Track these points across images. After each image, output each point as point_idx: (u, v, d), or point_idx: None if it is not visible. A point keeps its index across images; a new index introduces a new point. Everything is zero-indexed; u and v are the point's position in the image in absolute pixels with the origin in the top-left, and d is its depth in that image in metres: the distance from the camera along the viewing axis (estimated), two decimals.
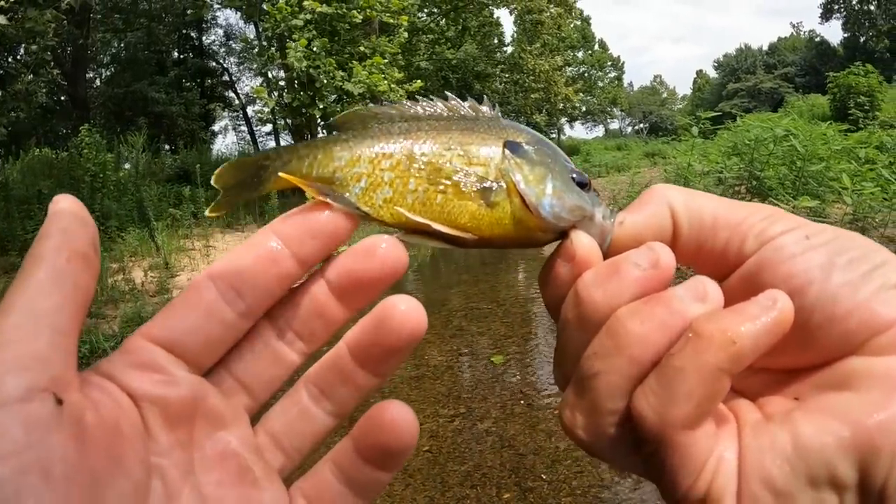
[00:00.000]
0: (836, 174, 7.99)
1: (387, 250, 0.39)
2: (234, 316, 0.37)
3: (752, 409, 0.38)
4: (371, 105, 0.47)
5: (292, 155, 0.44)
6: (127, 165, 12.73)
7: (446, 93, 0.48)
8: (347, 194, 0.42)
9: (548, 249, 0.46)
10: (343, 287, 0.40)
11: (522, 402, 4.85)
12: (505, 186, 0.43)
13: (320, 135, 15.28)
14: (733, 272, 0.39)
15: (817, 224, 0.38)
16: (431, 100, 0.47)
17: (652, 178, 10.34)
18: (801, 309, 0.35)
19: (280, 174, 0.43)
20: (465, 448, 4.21)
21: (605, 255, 0.41)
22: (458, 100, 0.47)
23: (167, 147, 22.76)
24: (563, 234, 0.43)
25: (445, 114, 0.46)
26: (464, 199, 0.43)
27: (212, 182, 0.44)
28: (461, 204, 0.43)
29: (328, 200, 0.40)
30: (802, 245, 0.37)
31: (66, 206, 0.35)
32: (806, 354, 0.37)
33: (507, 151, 0.44)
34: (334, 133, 0.45)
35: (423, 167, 0.43)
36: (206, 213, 0.46)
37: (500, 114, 0.48)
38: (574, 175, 0.45)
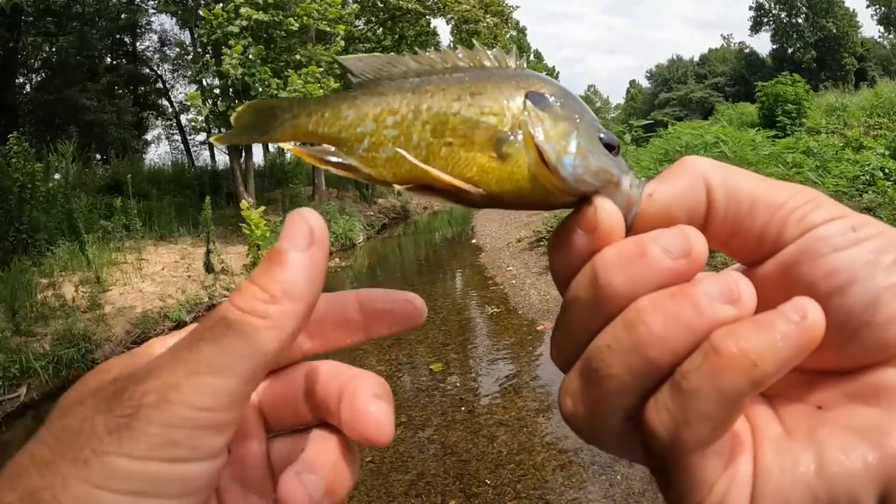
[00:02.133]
0: None
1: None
2: None
3: (772, 420, 0.35)
4: (390, 54, 0.44)
5: (302, 109, 0.43)
6: (56, 175, 12.20)
7: (473, 41, 0.45)
8: (353, 156, 0.41)
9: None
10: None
11: (463, 408, 4.86)
12: (521, 139, 0.39)
13: (256, 146, 14.99)
14: (768, 258, 0.36)
15: (862, 215, 0.35)
16: (455, 48, 0.43)
17: None
18: (839, 308, 0.32)
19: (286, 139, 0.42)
20: (407, 457, 4.19)
21: (629, 229, 0.37)
22: (484, 49, 0.43)
23: (98, 157, 22.02)
24: (582, 199, 0.38)
25: (465, 64, 0.43)
26: (472, 151, 0.39)
27: (231, 120, 0.44)
28: (469, 156, 0.39)
29: (327, 160, 0.40)
30: (848, 238, 0.33)
31: None
32: (838, 357, 0.34)
33: (528, 102, 0.40)
34: (349, 90, 0.43)
35: (428, 120, 0.40)
36: (212, 140, 0.44)
37: (525, 66, 0.44)
38: (602, 135, 0.40)
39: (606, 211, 0.36)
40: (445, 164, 0.39)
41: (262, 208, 11.13)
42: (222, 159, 24.70)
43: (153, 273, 10.16)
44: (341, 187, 19.93)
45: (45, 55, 25.91)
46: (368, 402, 0.37)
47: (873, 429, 0.31)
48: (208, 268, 10.21)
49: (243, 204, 10.90)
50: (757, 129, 12.29)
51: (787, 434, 0.34)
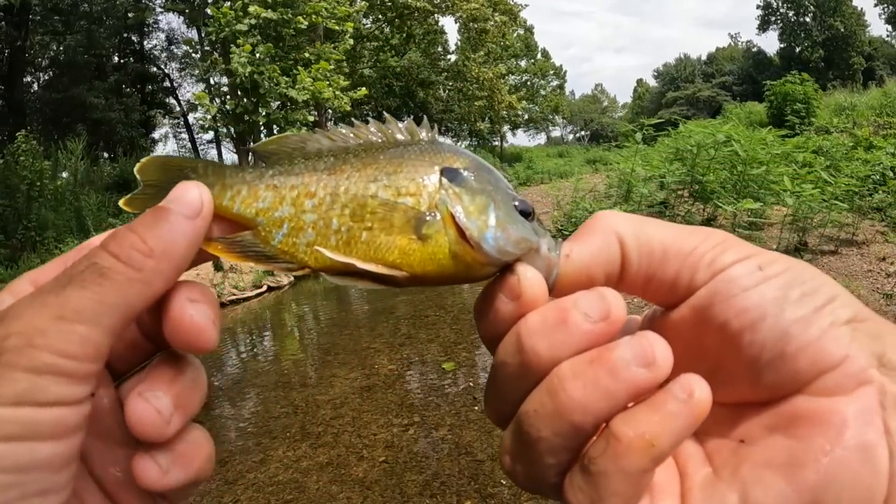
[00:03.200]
0: (777, 177, 8.29)
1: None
2: None
3: (701, 462, 0.37)
4: (301, 133, 0.44)
5: (219, 179, 0.42)
6: (65, 174, 12.25)
7: (384, 114, 0.45)
8: (270, 244, 0.41)
9: None
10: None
11: (476, 407, 4.83)
12: (439, 217, 0.40)
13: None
14: (683, 301, 0.38)
15: (770, 253, 0.37)
16: (367, 122, 0.44)
17: (595, 183, 10.55)
18: (751, 344, 0.34)
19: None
20: (421, 457, 4.16)
21: (551, 290, 0.39)
22: (395, 122, 0.44)
23: (106, 155, 22.03)
24: (505, 267, 0.39)
25: (378, 139, 0.43)
26: (392, 235, 0.39)
27: (134, 170, 0.42)
28: (389, 240, 0.39)
29: (246, 254, 0.40)
30: (755, 277, 0.35)
31: None
32: (755, 390, 0.36)
33: (444, 180, 0.41)
34: (260, 164, 0.43)
35: (346, 204, 0.40)
36: (121, 203, 0.42)
37: (437, 135, 0.44)
38: (517, 203, 0.41)
39: (529, 280, 0.38)
40: (367, 248, 0.39)
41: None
42: (230, 157, 24.79)
43: None
44: None
45: (52, 54, 26.02)
46: (184, 307, 0.36)
47: (788, 463, 0.33)
48: (217, 266, 10.21)
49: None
50: (768, 128, 12.22)
51: (714, 474, 0.36)
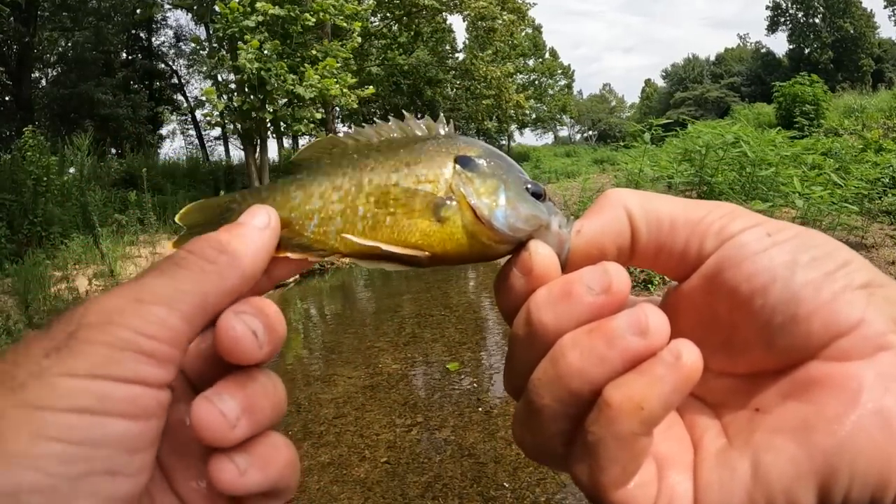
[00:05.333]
0: (786, 179, 8.23)
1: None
2: None
3: (717, 434, 0.37)
4: (330, 136, 0.47)
5: (255, 199, 0.45)
6: (72, 169, 12.29)
7: (404, 112, 0.48)
8: (304, 235, 0.43)
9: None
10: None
11: (480, 409, 4.80)
12: (456, 202, 0.43)
13: (269, 139, 15.02)
14: (694, 271, 0.39)
15: (778, 221, 0.37)
16: (388, 121, 0.47)
17: (602, 183, 10.53)
18: (762, 308, 0.35)
19: None
20: (424, 458, 4.13)
21: (563, 265, 0.40)
22: (414, 120, 0.47)
23: (113, 151, 22.09)
24: (519, 245, 0.42)
25: (399, 136, 0.46)
26: (413, 218, 0.42)
27: (176, 219, 0.46)
28: (410, 223, 0.42)
29: (288, 254, 0.42)
30: (764, 242, 0.36)
31: None
32: (769, 357, 0.36)
33: (457, 166, 0.44)
34: (293, 175, 0.46)
35: (370, 193, 0.43)
36: (170, 246, 0.44)
37: (454, 130, 0.47)
38: (528, 185, 0.44)
39: (540, 255, 0.39)
40: (391, 231, 0.42)
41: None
42: (237, 154, 24.89)
43: None
44: None
45: (60, 50, 26.15)
46: (228, 319, 0.37)
47: (801, 427, 0.33)
48: None
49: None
50: (777, 129, 12.15)
51: (728, 444, 0.36)
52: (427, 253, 0.42)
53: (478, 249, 0.43)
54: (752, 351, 0.36)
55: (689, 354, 0.33)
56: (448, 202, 0.43)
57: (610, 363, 0.34)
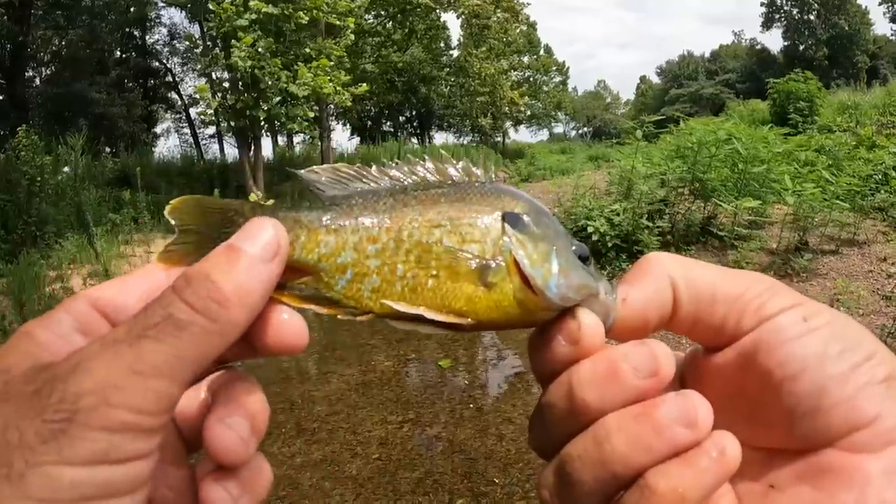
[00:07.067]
0: (778, 176, 8.25)
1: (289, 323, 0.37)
2: None
3: (731, 502, 0.38)
4: (356, 165, 0.43)
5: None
6: (66, 168, 12.24)
7: (440, 151, 0.46)
8: (334, 290, 0.40)
9: None
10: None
11: (471, 405, 4.83)
12: (503, 265, 0.40)
13: (264, 137, 14.89)
14: (729, 345, 0.39)
15: (814, 303, 0.38)
16: (424, 160, 0.43)
17: (596, 180, 10.50)
18: (790, 394, 0.36)
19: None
20: (415, 454, 4.16)
21: (608, 332, 0.40)
22: (450, 161, 0.44)
23: (107, 150, 22.04)
24: (564, 310, 0.40)
25: (433, 178, 0.43)
26: (458, 282, 0.39)
27: (166, 213, 0.39)
28: (455, 287, 0.39)
29: (312, 307, 0.39)
30: (799, 328, 0.37)
31: None
32: (789, 438, 0.37)
33: (506, 226, 0.41)
34: (312, 204, 0.42)
35: (410, 250, 0.40)
36: (155, 259, 0.40)
37: (493, 176, 0.44)
38: (574, 248, 0.42)
39: (589, 327, 0.39)
40: (433, 295, 0.39)
41: (272, 201, 11.05)
42: (231, 153, 24.80)
43: None
44: None
45: (54, 49, 26.07)
46: (280, 314, 0.37)
47: None
48: None
49: (252, 197, 10.91)
50: (770, 125, 12.16)
51: None
52: (471, 320, 0.39)
53: (523, 316, 0.40)
54: (773, 430, 0.38)
55: (731, 449, 0.35)
56: (494, 265, 0.40)
57: (656, 452, 0.35)
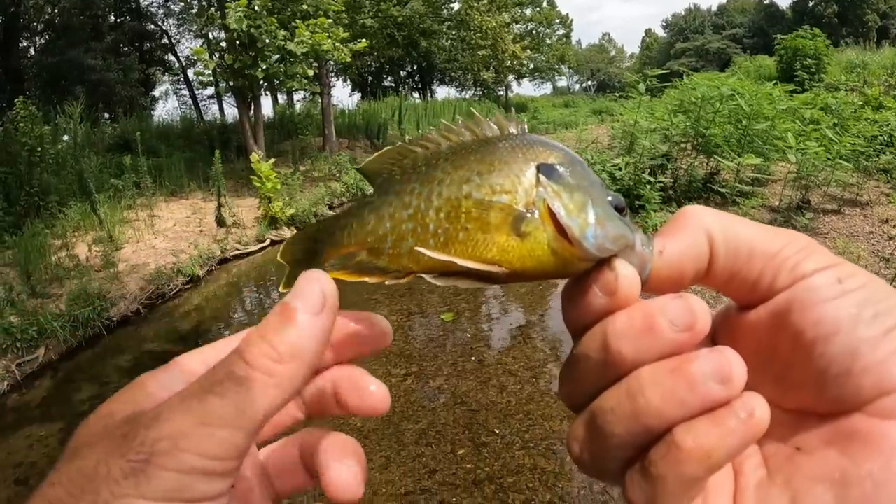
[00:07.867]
0: (781, 133, 8.17)
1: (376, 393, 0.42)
2: None
3: (757, 465, 0.39)
4: (398, 145, 0.45)
5: (335, 226, 0.45)
6: (65, 137, 12.19)
7: (472, 110, 0.46)
8: (381, 258, 0.43)
9: None
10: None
11: (473, 358, 4.89)
12: (538, 215, 0.40)
13: (263, 96, 14.73)
14: (762, 303, 0.39)
15: (850, 265, 0.38)
16: (456, 122, 0.44)
17: (599, 134, 10.43)
18: (822, 356, 0.35)
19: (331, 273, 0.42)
20: (418, 407, 4.23)
21: (644, 284, 0.40)
22: (483, 118, 0.44)
23: (106, 116, 21.86)
24: (600, 261, 0.40)
25: (467, 138, 0.43)
26: (489, 233, 0.40)
27: (278, 258, 0.47)
28: (486, 237, 0.40)
29: (366, 279, 0.42)
30: (835, 290, 0.36)
31: None
32: (818, 401, 0.37)
33: (541, 177, 0.41)
34: (363, 193, 0.44)
35: (440, 207, 0.41)
36: (280, 289, 0.45)
37: (526, 128, 0.44)
38: (610, 198, 0.42)
39: (627, 278, 0.38)
40: (465, 248, 0.40)
41: (273, 160, 11.03)
42: (231, 112, 24.57)
43: (165, 229, 10.19)
44: (351, 138, 19.52)
45: (47, 17, 25.61)
46: (368, 383, 0.42)
47: (839, 481, 0.34)
48: (220, 222, 10.23)
49: (253, 157, 10.84)
50: (774, 82, 11.98)
51: (768, 478, 0.37)
52: (506, 269, 0.40)
53: (558, 266, 0.40)
54: (802, 391, 0.37)
55: (760, 412, 0.35)
56: (528, 215, 0.40)
57: (689, 407, 0.35)
